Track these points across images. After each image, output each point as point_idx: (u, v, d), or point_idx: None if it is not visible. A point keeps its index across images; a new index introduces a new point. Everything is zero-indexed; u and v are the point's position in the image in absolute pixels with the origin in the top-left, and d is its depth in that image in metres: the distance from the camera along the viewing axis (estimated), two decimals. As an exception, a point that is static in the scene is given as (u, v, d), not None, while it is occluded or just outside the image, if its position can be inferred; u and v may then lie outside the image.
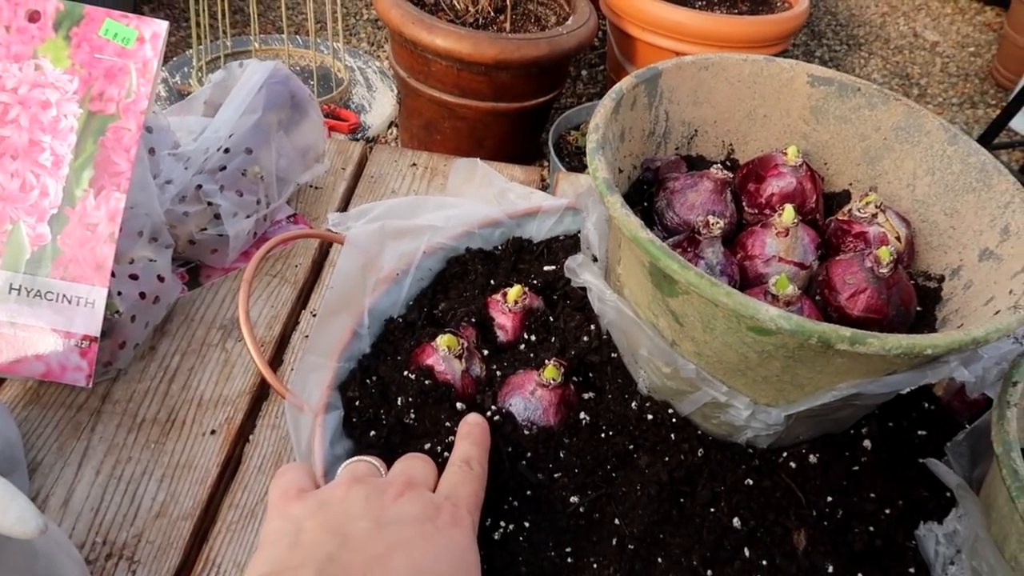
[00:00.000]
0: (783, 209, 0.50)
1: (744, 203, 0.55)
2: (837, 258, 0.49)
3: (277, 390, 0.48)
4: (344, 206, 0.71)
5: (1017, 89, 2.09)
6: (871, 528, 0.48)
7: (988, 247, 0.48)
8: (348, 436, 0.48)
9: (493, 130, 2.15)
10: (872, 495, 0.49)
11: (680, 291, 0.42)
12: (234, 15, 2.73)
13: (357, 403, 0.49)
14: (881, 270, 0.46)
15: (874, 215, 0.51)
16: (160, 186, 0.58)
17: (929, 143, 0.53)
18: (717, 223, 0.48)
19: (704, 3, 2.20)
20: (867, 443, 0.51)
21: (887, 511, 0.48)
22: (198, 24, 1.50)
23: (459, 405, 0.50)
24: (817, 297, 0.49)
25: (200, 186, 0.59)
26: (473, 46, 1.93)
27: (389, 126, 1.18)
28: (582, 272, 0.47)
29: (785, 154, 0.53)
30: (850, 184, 0.57)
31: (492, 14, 2.16)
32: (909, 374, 0.42)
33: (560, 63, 2.01)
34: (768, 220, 0.50)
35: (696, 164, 0.58)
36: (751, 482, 0.48)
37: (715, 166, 0.52)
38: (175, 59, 1.38)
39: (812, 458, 0.50)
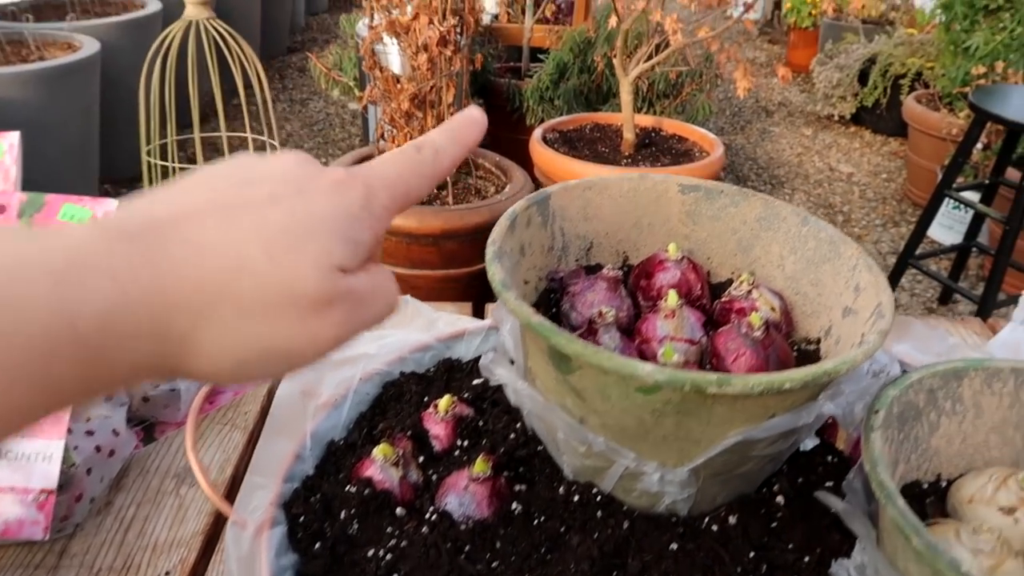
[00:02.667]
0: (667, 295, 0.56)
1: (640, 298, 0.62)
2: (719, 331, 0.55)
3: (219, 507, 0.51)
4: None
5: (928, 201, 2.27)
6: (794, 576, 0.50)
7: (847, 305, 0.55)
8: (293, 550, 0.51)
9: (446, 296, 2.25)
10: (791, 546, 0.52)
11: (575, 366, 0.47)
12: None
13: (301, 518, 0.52)
14: (755, 333, 0.52)
15: (748, 292, 0.58)
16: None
17: (787, 227, 0.62)
18: (610, 311, 0.54)
19: (629, 160, 2.40)
20: (780, 499, 0.55)
21: (806, 559, 0.51)
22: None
23: (399, 511, 0.53)
24: (708, 367, 0.55)
25: (152, 345, 0.65)
26: (419, 220, 2.07)
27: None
28: (495, 368, 0.53)
29: (667, 252, 0.61)
30: (732, 273, 0.65)
31: (435, 191, 2.34)
32: (787, 416, 0.47)
33: (503, 227, 2.14)
34: (657, 305, 0.57)
35: (594, 272, 0.65)
36: (676, 547, 0.51)
37: (607, 267, 0.59)
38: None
39: (732, 519, 0.53)
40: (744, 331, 0.53)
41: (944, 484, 0.52)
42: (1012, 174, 2.26)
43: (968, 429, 0.52)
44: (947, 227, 2.81)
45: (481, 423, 0.60)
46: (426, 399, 0.63)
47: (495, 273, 0.51)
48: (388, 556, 0.50)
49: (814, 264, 0.59)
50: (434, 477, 0.56)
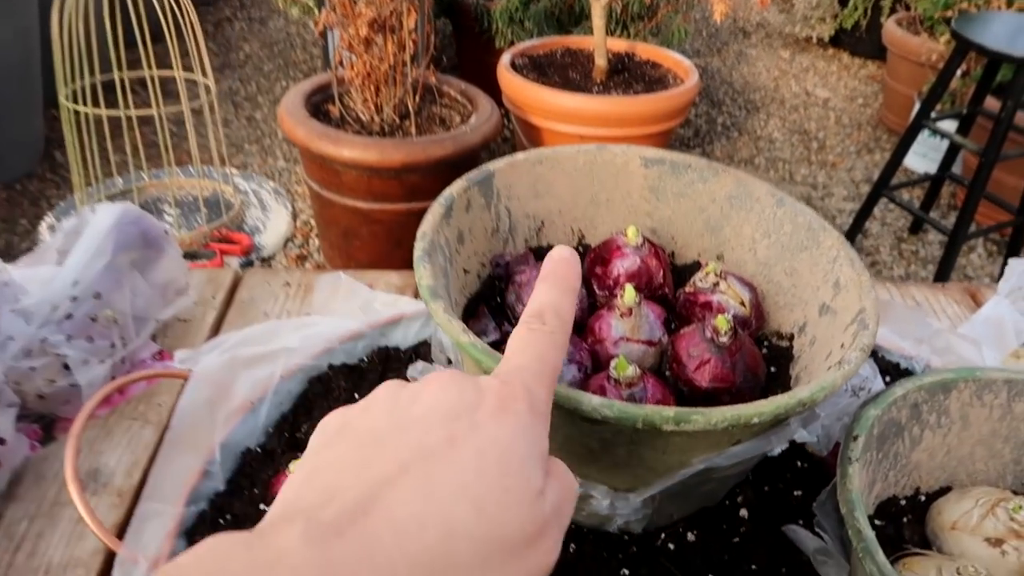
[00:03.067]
0: (623, 290, 0.50)
1: (594, 287, 0.55)
2: (681, 332, 0.49)
3: (106, 542, 0.45)
4: (214, 335, 0.69)
5: (905, 131, 2.21)
6: (760, 602, 0.46)
7: (825, 302, 0.49)
8: (200, 587, 0.45)
9: (410, 230, 2.17)
10: (753, 567, 0.47)
11: (511, 390, 0.41)
12: (148, 148, 2.74)
13: (209, 549, 0.46)
14: (721, 339, 0.46)
15: (716, 284, 0.52)
16: None
17: (760, 208, 0.55)
18: (557, 313, 0.48)
19: (600, 87, 2.29)
20: (744, 512, 0.50)
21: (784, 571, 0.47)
22: (84, 166, 1.48)
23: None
24: (668, 373, 0.49)
25: (45, 339, 0.57)
26: (380, 153, 1.97)
27: (286, 243, 1.17)
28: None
29: (626, 235, 0.54)
30: (699, 254, 0.58)
31: (397, 121, 2.22)
32: (753, 442, 0.42)
33: (468, 159, 2.06)
34: (612, 302, 0.50)
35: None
36: (627, 573, 0.46)
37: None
38: (62, 204, 1.36)
39: (690, 536, 0.49)
40: (709, 336, 0.47)
41: (923, 499, 0.48)
42: (991, 104, 2.19)
43: (953, 442, 0.47)
44: (921, 155, 2.75)
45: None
46: (356, 395, 0.57)
47: (423, 278, 0.44)
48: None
49: (789, 251, 0.53)
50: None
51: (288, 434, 0.54)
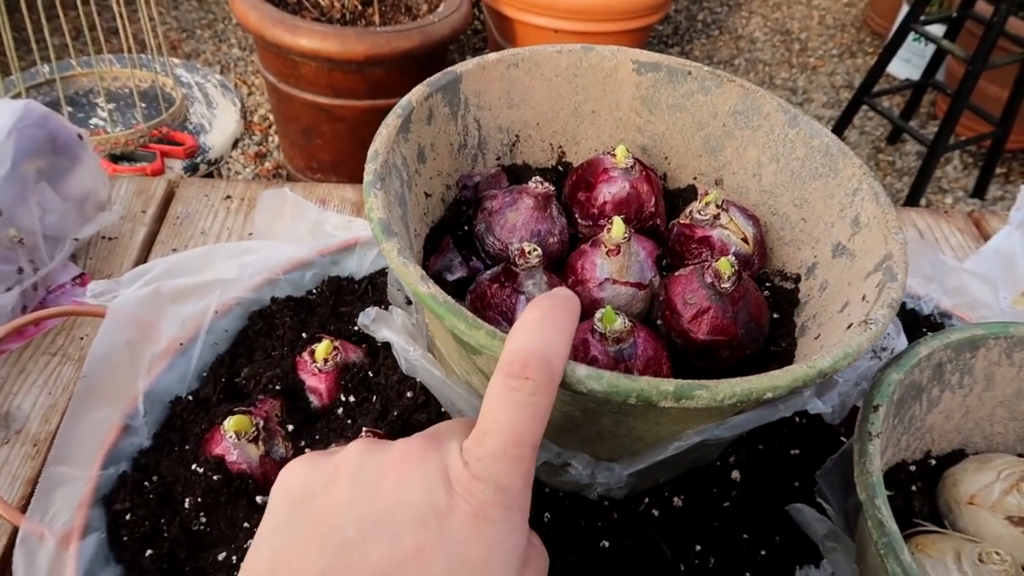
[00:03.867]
0: (612, 223, 0.43)
1: (576, 215, 0.48)
2: (676, 274, 0.43)
3: (4, 516, 0.39)
4: (145, 256, 0.61)
5: (891, 35, 2.11)
6: (748, 574, 0.42)
7: (840, 241, 0.43)
8: (117, 560, 0.39)
9: (375, 128, 2.05)
10: (745, 536, 0.43)
11: (481, 349, 0.34)
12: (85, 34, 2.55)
13: (128, 516, 0.40)
14: (723, 285, 0.40)
15: (716, 216, 0.45)
16: None
17: (770, 127, 0.47)
18: (534, 251, 0.41)
19: (578, -24, 2.14)
20: (736, 474, 0.45)
21: (763, 552, 0.42)
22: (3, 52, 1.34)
23: (259, 499, 0.42)
24: (659, 321, 0.43)
25: (-66, 263, 0.49)
26: (341, 44, 1.83)
27: (234, 144, 1.07)
28: (378, 328, 0.40)
29: (614, 155, 0.47)
30: (695, 178, 0.51)
31: (360, 7, 2.05)
32: (758, 412, 0.36)
33: (435, 53, 1.92)
34: (598, 237, 0.44)
35: (522, 174, 0.51)
36: (607, 544, 0.42)
37: (534, 179, 0.45)
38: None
39: (677, 501, 0.44)
40: (709, 280, 0.40)
41: (933, 462, 0.43)
42: (983, 7, 2.09)
43: (973, 403, 0.42)
44: (904, 60, 2.66)
45: (372, 373, 0.47)
46: (304, 334, 0.50)
47: (373, 208, 0.36)
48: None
49: (800, 179, 0.46)
50: (307, 450, 0.44)
51: (225, 379, 0.47)
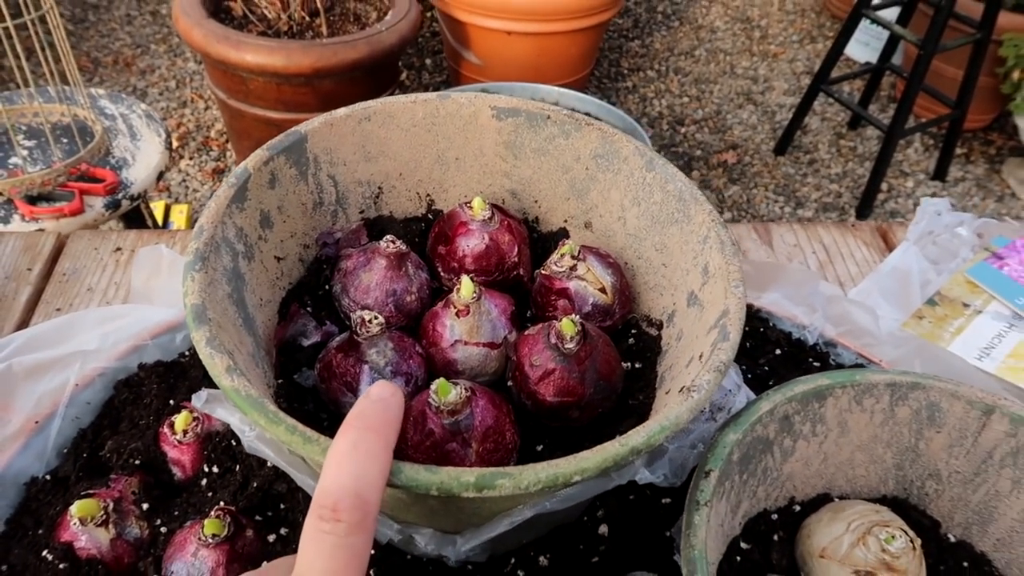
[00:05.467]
0: (460, 283, 0.42)
1: (439, 268, 0.47)
2: (525, 334, 0.42)
3: None
4: (28, 318, 0.60)
5: (847, 17, 2.10)
6: (612, 634, 0.41)
7: (693, 290, 0.42)
8: (-42, 661, 0.39)
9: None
10: (611, 594, 0.42)
11: (284, 445, 0.34)
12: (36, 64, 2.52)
13: (-27, 612, 0.40)
14: (567, 346, 0.39)
15: (572, 267, 0.44)
16: None
17: (629, 170, 0.47)
18: (374, 319, 0.40)
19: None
20: (603, 528, 0.44)
21: (627, 609, 0.42)
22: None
23: (111, 584, 0.41)
24: (509, 383, 0.42)
25: None
26: (287, 58, 1.81)
27: (159, 177, 1.06)
28: (212, 409, 0.39)
29: (471, 207, 0.46)
30: (565, 220, 0.50)
31: (307, 19, 2.03)
32: (592, 482, 0.35)
33: (384, 62, 1.91)
34: (448, 298, 0.43)
35: (388, 225, 0.50)
36: (466, 612, 0.41)
37: (385, 239, 0.44)
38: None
39: (543, 560, 0.43)
40: (554, 342, 0.39)
41: (797, 508, 0.43)
42: (934, -11, 2.09)
43: (830, 449, 0.42)
44: (864, 43, 2.65)
45: (235, 441, 0.46)
46: (172, 401, 0.49)
47: (188, 292, 0.35)
48: (93, 653, 0.38)
49: (660, 224, 0.45)
50: (163, 529, 0.43)
51: (87, 454, 0.47)
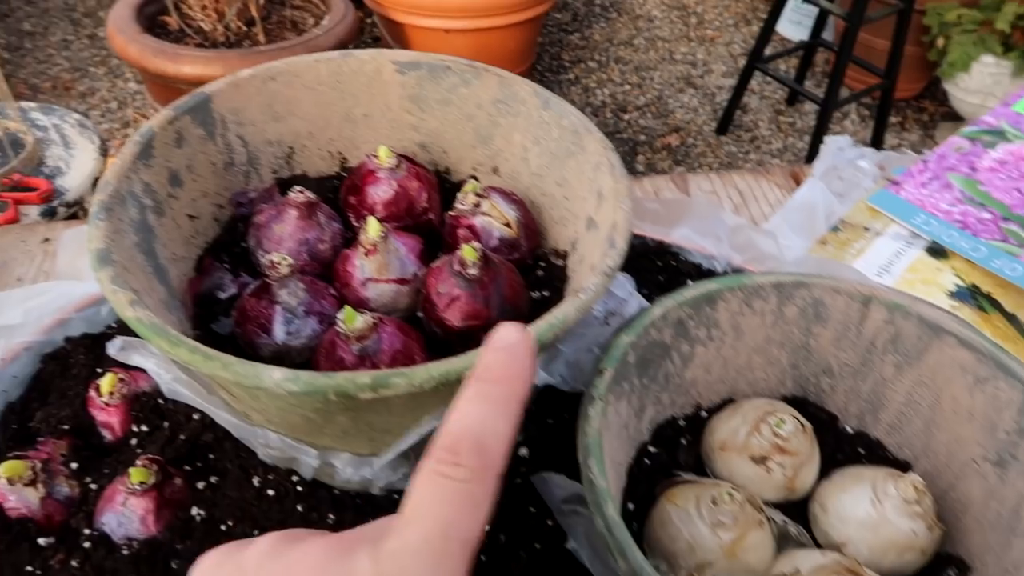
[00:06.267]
0: (366, 224, 0.44)
1: (352, 218, 0.49)
2: (432, 265, 0.44)
3: None
4: (-43, 310, 0.60)
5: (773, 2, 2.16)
6: (537, 546, 0.43)
7: (590, 215, 0.44)
8: None
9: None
10: (532, 509, 0.44)
11: (187, 365, 0.35)
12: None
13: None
14: (470, 272, 0.41)
15: (476, 205, 0.46)
16: None
17: (527, 112, 0.49)
18: (283, 260, 0.41)
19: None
20: (524, 451, 0.46)
21: (549, 522, 0.44)
22: None
23: (43, 540, 0.42)
24: (420, 313, 0.44)
25: None
26: (224, 67, 1.81)
27: (95, 183, 1.06)
28: (128, 356, 0.40)
29: (377, 157, 0.47)
30: (474, 169, 0.52)
31: (244, 28, 2.03)
32: (493, 390, 0.37)
33: (322, 66, 1.90)
34: (356, 238, 0.44)
35: (301, 184, 0.51)
36: (392, 537, 0.42)
37: (293, 189, 0.46)
38: None
39: (467, 486, 0.45)
40: (457, 269, 0.41)
41: (704, 415, 0.45)
42: (857, -36, 2.15)
43: (728, 353, 0.44)
44: (796, 23, 2.72)
45: (162, 400, 0.47)
46: (99, 369, 0.50)
47: (92, 240, 0.37)
48: (30, 606, 0.39)
49: (559, 159, 0.48)
50: (93, 486, 0.44)
51: (17, 426, 0.47)
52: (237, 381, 0.32)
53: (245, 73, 0.48)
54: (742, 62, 2.66)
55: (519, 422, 0.25)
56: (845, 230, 0.61)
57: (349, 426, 0.37)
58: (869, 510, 0.37)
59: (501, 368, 0.26)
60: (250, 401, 0.37)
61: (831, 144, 0.68)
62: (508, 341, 0.26)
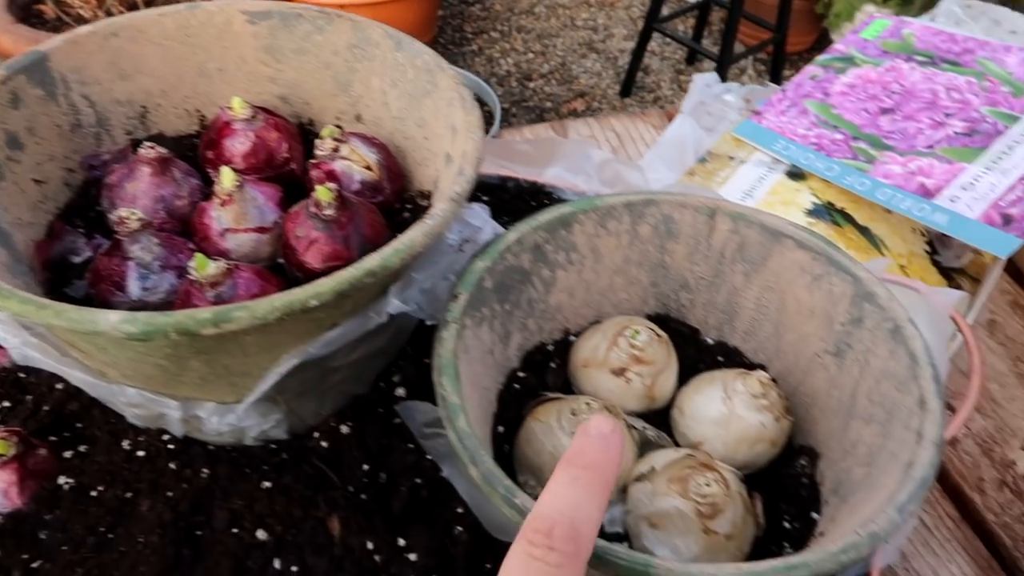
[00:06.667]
0: (220, 174, 0.43)
1: (212, 175, 0.48)
2: (290, 211, 0.43)
3: None
4: None
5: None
6: (417, 480, 0.44)
7: (447, 151, 0.45)
8: None
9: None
10: (411, 445, 0.45)
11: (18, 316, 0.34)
12: None
13: None
14: (326, 212, 0.41)
15: (335, 149, 0.46)
16: None
17: (382, 55, 0.49)
18: (132, 214, 0.40)
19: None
20: (401, 391, 0.47)
21: (428, 456, 0.44)
22: None
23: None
24: (281, 260, 0.43)
25: None
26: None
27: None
28: (-28, 321, 0.38)
29: (231, 109, 0.47)
30: (337, 118, 0.52)
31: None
32: (349, 324, 0.37)
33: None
34: (211, 190, 0.44)
35: (160, 143, 0.50)
36: (270, 484, 0.42)
37: (144, 145, 0.45)
38: None
39: (344, 428, 0.45)
40: (313, 211, 0.41)
41: (573, 339, 0.46)
42: (742, -79, 2.20)
43: (590, 277, 0.45)
44: (692, -16, 2.77)
45: (23, 374, 0.46)
46: (-42, 350, 0.48)
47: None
48: None
49: (416, 100, 0.48)
50: (-46, 465, 0.42)
51: None
52: (72, 328, 0.31)
53: (84, 29, 0.46)
54: (642, 25, 2.71)
55: (606, 505, 0.27)
56: (712, 160, 0.63)
57: (206, 372, 0.37)
58: (720, 408, 0.39)
59: (595, 454, 0.27)
60: (99, 355, 0.36)
61: (699, 81, 0.70)
62: (602, 431, 0.28)
